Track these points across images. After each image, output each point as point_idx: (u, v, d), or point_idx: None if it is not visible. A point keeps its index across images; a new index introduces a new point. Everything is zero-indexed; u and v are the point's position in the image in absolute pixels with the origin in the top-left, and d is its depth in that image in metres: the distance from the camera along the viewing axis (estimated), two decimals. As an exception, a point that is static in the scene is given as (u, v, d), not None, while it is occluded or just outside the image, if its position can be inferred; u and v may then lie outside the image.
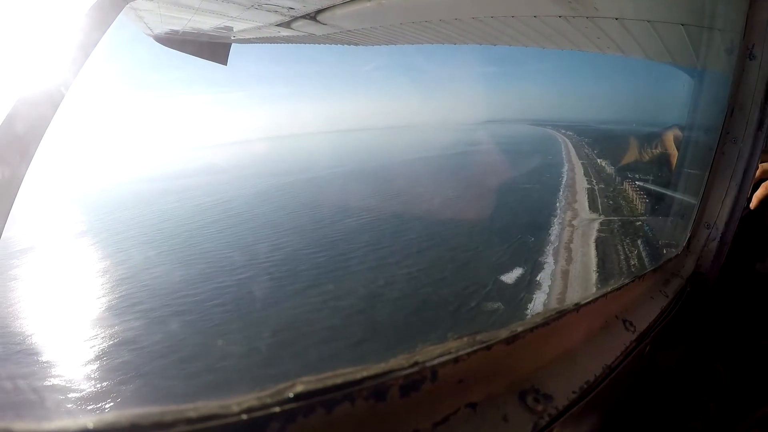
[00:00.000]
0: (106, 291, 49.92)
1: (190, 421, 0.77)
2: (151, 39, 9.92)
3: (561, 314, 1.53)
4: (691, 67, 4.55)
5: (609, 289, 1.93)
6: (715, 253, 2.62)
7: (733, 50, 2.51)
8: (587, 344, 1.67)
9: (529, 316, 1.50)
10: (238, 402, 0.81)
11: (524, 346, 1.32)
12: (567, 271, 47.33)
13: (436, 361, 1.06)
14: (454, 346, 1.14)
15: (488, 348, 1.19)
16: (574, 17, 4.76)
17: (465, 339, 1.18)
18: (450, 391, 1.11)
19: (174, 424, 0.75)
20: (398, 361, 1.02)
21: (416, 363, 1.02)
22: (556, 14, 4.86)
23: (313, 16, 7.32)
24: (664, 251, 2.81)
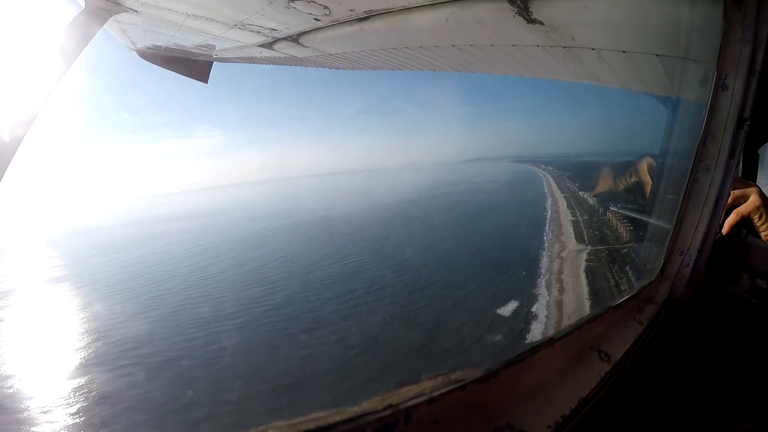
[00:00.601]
0: (96, 337, 49.17)
1: None
2: (134, 54, 9.89)
3: (535, 349, 1.54)
4: (665, 96, 4.67)
5: (584, 320, 1.94)
6: (688, 278, 2.64)
7: (707, 81, 2.57)
8: (562, 377, 1.67)
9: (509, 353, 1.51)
10: None
11: (499, 383, 1.32)
12: (561, 300, 48.44)
13: (410, 403, 1.05)
14: (429, 386, 1.13)
15: (463, 387, 1.18)
16: (551, 47, 4.86)
17: (440, 379, 1.18)
18: (425, 431, 1.09)
19: None
20: (372, 403, 1.01)
21: (389, 406, 1.01)
22: (534, 44, 4.95)
23: (295, 39, 7.34)
24: (638, 279, 2.85)
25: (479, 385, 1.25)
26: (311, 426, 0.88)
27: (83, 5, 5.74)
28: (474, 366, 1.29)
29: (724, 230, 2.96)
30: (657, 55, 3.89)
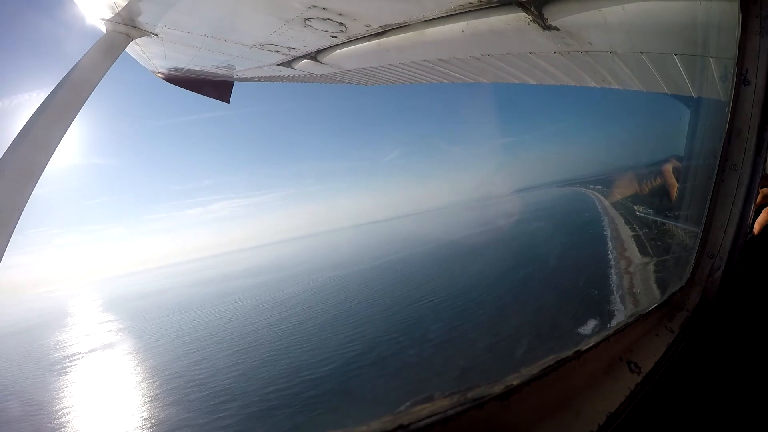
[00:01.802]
0: (186, 393, 49.81)
1: None
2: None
3: (560, 363, 1.46)
4: (687, 96, 4.55)
5: (612, 330, 1.86)
6: (720, 282, 2.54)
7: (728, 77, 2.48)
8: (589, 391, 1.59)
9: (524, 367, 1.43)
10: None
11: (521, 400, 1.24)
12: (639, 313, 48.21)
13: (422, 423, 0.99)
14: (443, 405, 1.06)
15: (481, 406, 1.12)
16: (569, 52, 4.79)
17: (455, 396, 1.11)
18: (439, 455, 1.03)
19: None
20: (380, 423, 0.95)
21: (400, 426, 0.95)
22: (551, 50, 4.90)
23: (313, 56, 7.42)
24: (668, 285, 2.74)
25: (499, 403, 1.18)
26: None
27: (104, 30, 5.89)
28: (493, 382, 1.22)
29: (755, 230, 2.83)
30: (675, 55, 3.80)
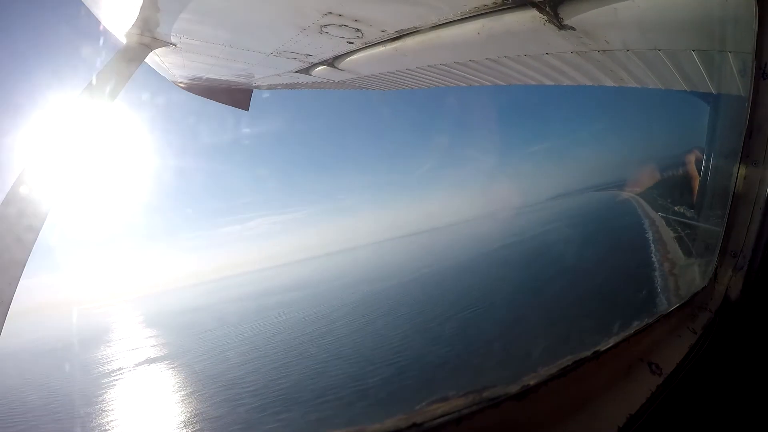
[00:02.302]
0: (236, 404, 50.10)
1: None
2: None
3: (579, 363, 1.44)
4: (706, 92, 4.46)
5: (632, 331, 1.82)
6: (743, 282, 2.44)
7: (746, 71, 2.41)
8: (609, 392, 1.56)
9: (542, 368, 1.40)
10: None
11: (538, 400, 1.23)
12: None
13: (436, 423, 0.98)
14: (458, 404, 1.05)
15: (497, 405, 1.11)
16: (586, 52, 4.74)
17: (470, 396, 1.10)
18: (454, 454, 1.02)
19: None
20: (394, 422, 0.94)
21: (414, 425, 0.95)
22: (568, 50, 4.85)
23: (330, 63, 7.45)
24: (689, 285, 2.67)
25: (516, 403, 1.17)
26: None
27: (124, 41, 5.99)
28: (510, 382, 1.21)
29: None
30: (693, 51, 3.74)
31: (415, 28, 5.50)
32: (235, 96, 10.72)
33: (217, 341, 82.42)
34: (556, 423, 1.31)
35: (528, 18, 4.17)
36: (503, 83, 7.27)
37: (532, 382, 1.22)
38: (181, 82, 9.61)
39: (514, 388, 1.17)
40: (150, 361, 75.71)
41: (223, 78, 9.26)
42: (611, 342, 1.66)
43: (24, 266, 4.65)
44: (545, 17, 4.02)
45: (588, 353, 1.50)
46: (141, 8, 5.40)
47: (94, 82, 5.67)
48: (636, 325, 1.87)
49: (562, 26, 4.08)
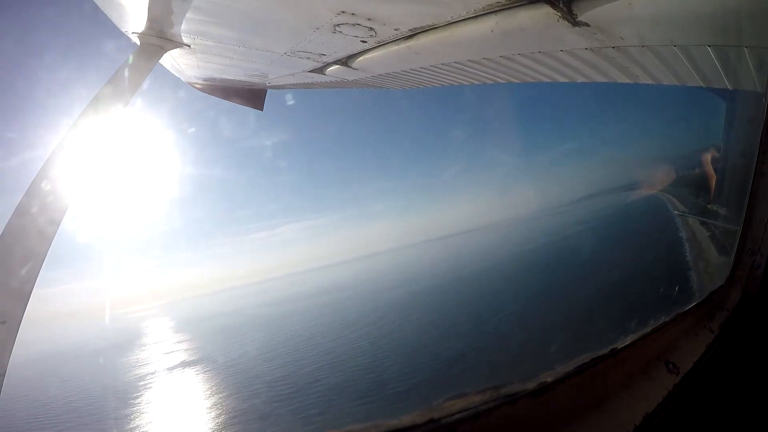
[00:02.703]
0: (276, 407, 50.12)
1: None
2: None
3: (596, 361, 1.43)
4: (722, 87, 4.40)
5: (648, 329, 1.81)
6: (761, 280, 2.41)
7: (763, 67, 2.39)
8: (626, 391, 1.55)
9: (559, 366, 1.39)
10: None
11: (555, 398, 1.22)
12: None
13: (453, 418, 0.98)
14: (475, 400, 1.05)
15: (513, 402, 1.11)
16: (600, 48, 4.70)
17: (487, 392, 1.10)
18: (471, 450, 1.02)
19: None
20: (412, 418, 0.95)
21: (431, 420, 0.95)
22: (582, 47, 4.81)
23: (344, 62, 7.45)
24: (706, 283, 2.64)
25: (532, 400, 1.17)
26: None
27: (138, 43, 6.05)
28: (526, 379, 1.21)
29: None
30: (708, 46, 3.69)
31: (429, 26, 5.49)
32: (250, 96, 10.77)
33: (250, 345, 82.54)
34: (572, 421, 1.30)
35: (541, 14, 4.14)
36: (517, 81, 7.24)
37: (549, 380, 1.22)
38: (196, 83, 9.69)
39: (531, 385, 1.17)
40: (185, 364, 76.32)
41: (238, 78, 9.31)
42: (628, 340, 1.65)
43: (44, 258, 4.74)
44: (559, 13, 3.99)
45: (605, 351, 1.50)
46: (154, 10, 5.45)
47: (109, 83, 5.73)
48: (653, 324, 1.86)
49: (576, 22, 4.05)
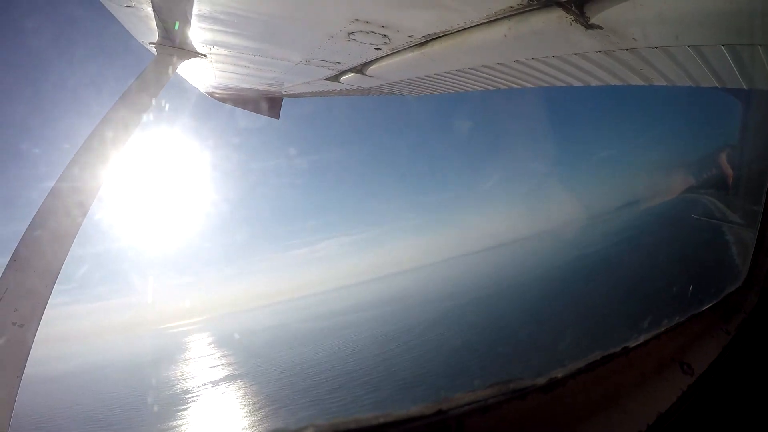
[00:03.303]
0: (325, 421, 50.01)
1: None
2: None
3: (607, 358, 1.43)
4: (738, 88, 4.35)
5: (662, 329, 1.79)
6: None
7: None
8: (638, 390, 1.53)
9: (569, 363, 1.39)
10: None
11: (565, 394, 1.22)
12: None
13: (462, 410, 0.99)
14: (484, 395, 1.06)
15: (523, 397, 1.11)
16: (614, 51, 4.67)
17: (496, 387, 1.10)
18: (480, 443, 1.02)
19: None
20: (420, 409, 0.95)
21: (440, 411, 0.95)
22: (596, 50, 4.78)
23: (359, 69, 7.49)
24: (723, 285, 2.60)
25: (542, 395, 1.17)
26: (352, 426, 0.84)
27: (155, 53, 6.17)
28: (536, 375, 1.21)
29: None
30: (723, 45, 3.65)
31: (442, 32, 5.51)
32: (266, 105, 10.87)
33: (296, 359, 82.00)
34: (584, 417, 1.30)
35: (554, 18, 4.14)
36: (532, 85, 7.21)
37: (559, 375, 1.22)
38: (213, 93, 9.81)
39: (541, 381, 1.17)
40: (230, 378, 76.34)
41: (254, 87, 9.42)
42: (641, 339, 1.64)
43: (62, 264, 4.83)
44: (571, 17, 3.98)
45: (616, 350, 1.49)
46: (170, 21, 5.55)
47: (127, 93, 5.84)
48: (666, 324, 1.84)
49: (588, 25, 4.03)
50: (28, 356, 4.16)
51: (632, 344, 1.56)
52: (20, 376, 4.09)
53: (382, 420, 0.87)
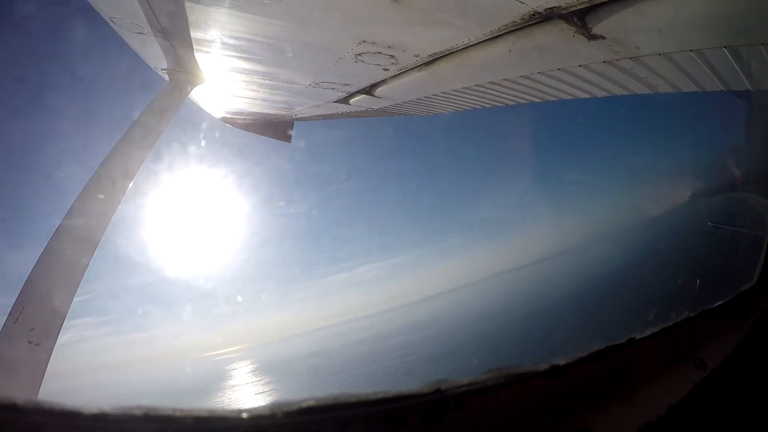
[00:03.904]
0: None
1: (198, 420, 0.78)
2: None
3: (611, 349, 1.41)
4: (743, 89, 4.33)
5: (671, 323, 1.78)
6: None
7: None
8: (649, 382, 1.52)
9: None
10: (247, 411, 0.79)
11: (569, 381, 1.21)
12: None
13: (461, 390, 0.99)
14: (484, 378, 1.06)
15: (524, 381, 1.10)
16: (618, 60, 4.70)
17: (498, 371, 1.10)
18: (480, 424, 1.02)
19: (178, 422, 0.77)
20: (418, 388, 0.96)
21: (438, 390, 0.96)
22: (600, 60, 4.82)
23: (368, 91, 7.59)
24: (737, 282, 2.56)
25: (545, 381, 1.16)
26: (351, 401, 0.85)
27: (167, 79, 6.32)
28: (538, 362, 1.20)
29: None
30: (725, 48, 3.66)
31: (448, 50, 5.59)
32: (277, 129, 10.97)
33: (344, 383, 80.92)
34: (590, 406, 1.28)
35: (556, 30, 4.19)
36: (539, 100, 7.24)
37: (561, 363, 1.21)
38: (225, 118, 9.96)
39: (542, 368, 1.17)
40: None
41: (264, 111, 9.55)
42: (648, 332, 1.62)
43: (78, 284, 4.91)
44: (573, 28, 4.04)
45: (622, 341, 1.48)
46: (182, 47, 5.69)
47: (141, 118, 5.96)
48: (675, 319, 1.82)
49: (591, 36, 4.08)
50: (44, 374, 4.21)
51: (637, 336, 1.55)
52: (36, 394, 4.13)
53: (381, 396, 0.87)
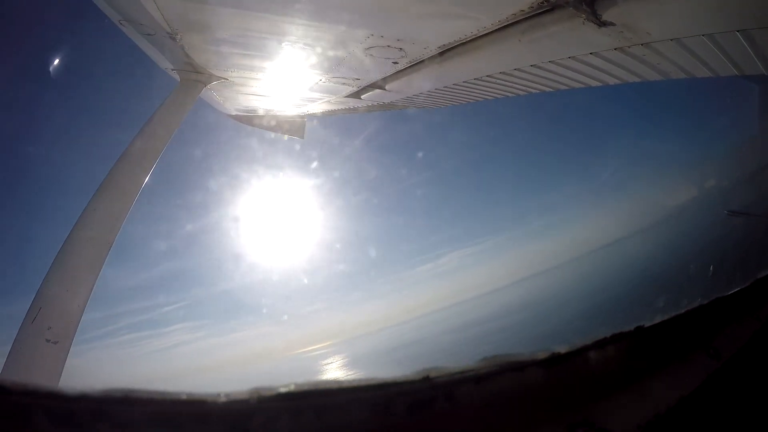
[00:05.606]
0: None
1: (183, 403, 0.77)
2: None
3: (617, 337, 1.36)
4: (758, 74, 4.21)
5: (683, 310, 1.72)
6: None
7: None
8: (658, 372, 1.46)
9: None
10: (225, 395, 0.78)
11: (569, 371, 1.16)
12: None
13: (452, 378, 0.95)
14: (477, 366, 1.02)
15: (520, 369, 1.06)
16: (629, 47, 4.61)
17: (489, 361, 1.06)
18: (472, 414, 0.98)
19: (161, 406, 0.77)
20: (406, 376, 0.92)
21: (427, 378, 0.92)
22: (611, 47, 4.73)
23: (379, 85, 7.58)
24: (753, 270, 2.47)
25: (543, 370, 1.11)
26: (334, 387, 0.82)
27: (178, 79, 6.35)
28: (537, 351, 1.16)
29: None
30: (738, 31, 3.56)
31: (456, 41, 5.54)
32: (290, 125, 11.00)
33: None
34: (594, 397, 1.23)
35: (565, 18, 4.12)
36: (551, 89, 7.15)
37: (561, 351, 1.16)
38: (236, 116, 10.00)
39: (541, 356, 1.12)
40: None
41: (276, 107, 9.57)
42: (658, 320, 1.56)
43: (95, 282, 4.97)
44: (583, 15, 3.96)
45: (630, 328, 1.42)
46: (192, 47, 5.71)
47: (153, 118, 6.00)
48: (688, 306, 1.76)
49: (601, 23, 4.01)
50: (62, 372, 4.29)
51: (646, 325, 1.49)
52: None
53: (365, 383, 0.84)
